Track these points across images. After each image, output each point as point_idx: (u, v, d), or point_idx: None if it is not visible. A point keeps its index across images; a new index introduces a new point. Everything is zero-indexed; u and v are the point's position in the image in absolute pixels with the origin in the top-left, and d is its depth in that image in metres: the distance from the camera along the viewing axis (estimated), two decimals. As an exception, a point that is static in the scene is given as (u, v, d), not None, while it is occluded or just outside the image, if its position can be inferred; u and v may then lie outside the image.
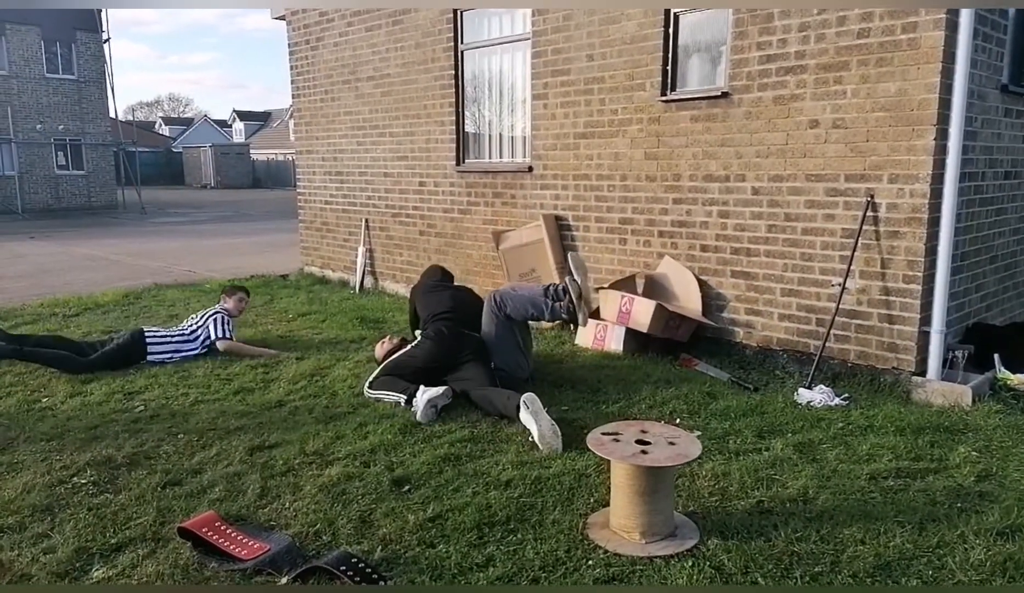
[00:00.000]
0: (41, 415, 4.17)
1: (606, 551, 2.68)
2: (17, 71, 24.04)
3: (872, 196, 4.56)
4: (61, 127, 25.04)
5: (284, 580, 2.50)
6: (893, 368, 4.60)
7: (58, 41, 24.78)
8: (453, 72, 7.11)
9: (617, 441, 2.79)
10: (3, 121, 23.66)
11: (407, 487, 3.23)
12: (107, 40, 25.61)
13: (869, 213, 4.57)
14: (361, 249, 8.46)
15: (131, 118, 45.87)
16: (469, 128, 7.25)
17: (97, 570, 2.59)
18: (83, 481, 3.29)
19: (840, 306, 4.68)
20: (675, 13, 5.37)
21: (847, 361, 4.78)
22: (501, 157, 7.03)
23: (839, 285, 4.66)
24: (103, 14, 25.34)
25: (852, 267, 4.64)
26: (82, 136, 25.52)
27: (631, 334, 5.39)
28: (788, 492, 3.14)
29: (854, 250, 4.60)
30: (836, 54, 4.61)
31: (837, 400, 4.33)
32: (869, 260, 4.63)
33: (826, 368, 4.78)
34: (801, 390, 4.45)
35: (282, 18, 9.07)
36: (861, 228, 4.57)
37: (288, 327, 6.48)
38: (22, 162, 24.23)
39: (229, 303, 5.83)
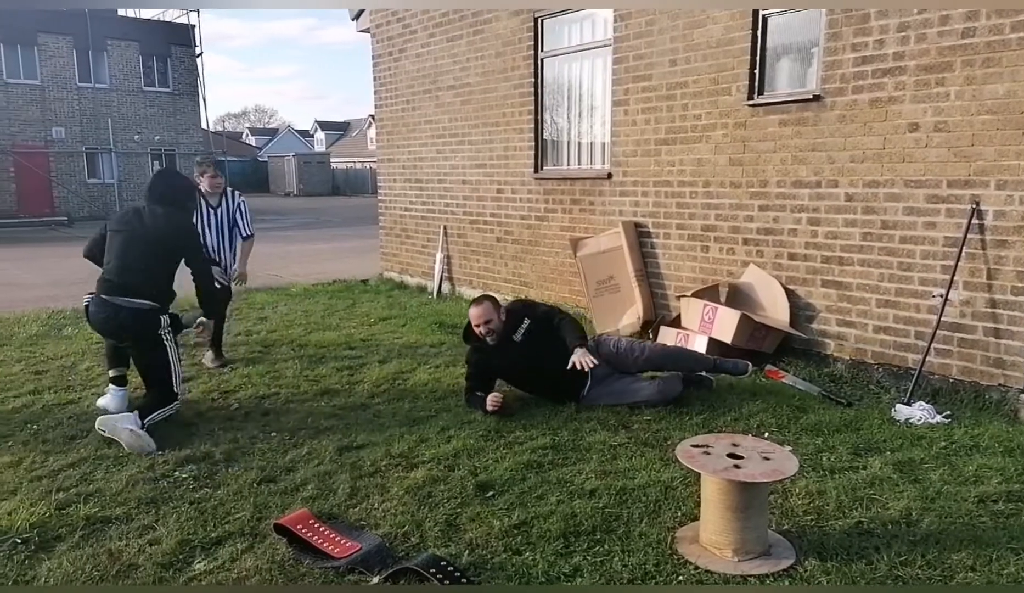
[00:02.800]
0: (144, 411, 4.38)
1: (697, 567, 2.62)
2: (117, 85, 25.57)
3: (977, 203, 4.31)
4: (157, 138, 26.48)
5: (376, 580, 2.55)
6: (999, 385, 4.34)
7: (155, 56, 26.23)
8: (532, 80, 7.14)
9: (708, 454, 2.72)
10: (104, 132, 25.20)
11: (491, 493, 3.24)
12: (200, 54, 26.93)
13: (974, 221, 4.33)
14: (439, 255, 8.59)
15: (221, 128, 48.07)
16: (547, 135, 7.26)
17: (199, 563, 2.70)
18: (184, 476, 3.44)
19: (942, 319, 4.44)
20: (764, 15, 5.24)
21: (948, 376, 4.53)
22: (579, 164, 7.01)
23: (941, 296, 4.43)
24: (196, 29, 26.67)
25: (955, 278, 4.40)
26: (176, 146, 26.91)
27: (713, 344, 5.26)
28: (889, 513, 2.99)
29: (958, 260, 4.36)
30: (938, 54, 4.39)
31: (938, 417, 4.11)
32: (974, 271, 4.38)
33: (925, 383, 4.55)
34: (899, 406, 4.24)
35: (367, 31, 9.32)
36: (965, 237, 4.33)
37: (370, 330, 6.63)
38: (121, 171, 25.73)
39: (204, 184, 5.40)
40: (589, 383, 4.40)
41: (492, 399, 4.23)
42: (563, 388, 4.40)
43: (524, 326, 4.43)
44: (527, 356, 4.41)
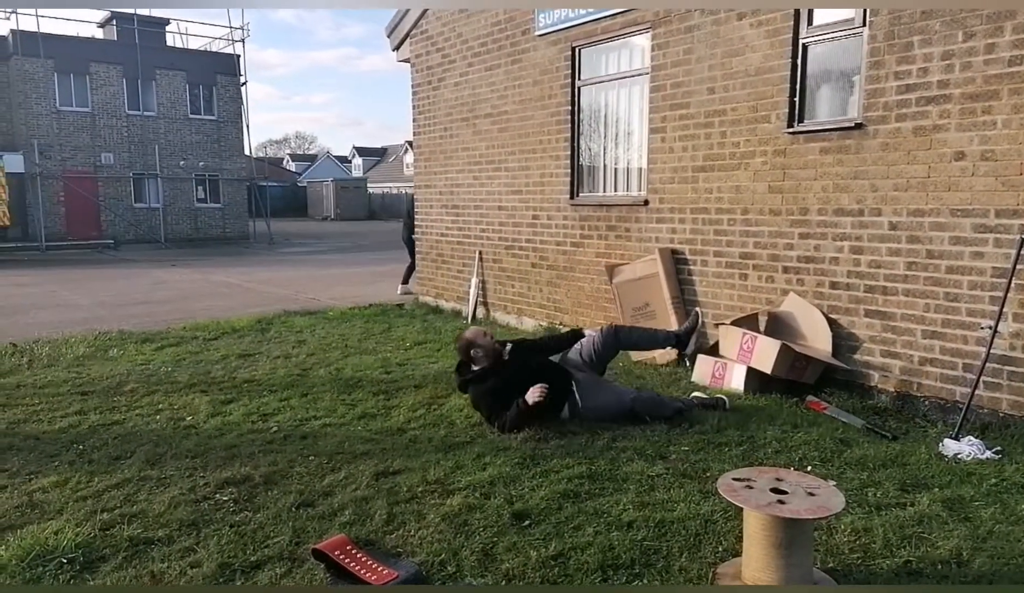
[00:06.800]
0: (186, 433, 4.46)
1: (738, 604, 2.56)
2: (164, 112, 26.37)
3: (1027, 233, 4.21)
4: (201, 164, 27.18)
5: (412, 609, 2.54)
6: (1053, 421, 4.19)
7: (200, 85, 27.01)
8: (569, 108, 7.20)
9: (750, 488, 2.67)
10: (151, 158, 25.96)
11: (527, 522, 3.22)
12: (244, 83, 27.68)
13: (1023, 251, 4.22)
14: (474, 280, 8.64)
15: (263, 155, 49.18)
16: (583, 162, 7.29)
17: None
18: (224, 498, 3.48)
19: (991, 351, 4.32)
20: (804, 43, 5.23)
21: (998, 411, 4.40)
22: (615, 191, 7.02)
23: (990, 328, 4.31)
24: (241, 59, 27.44)
25: (1004, 309, 4.29)
26: (220, 172, 27.58)
27: (752, 373, 5.19)
28: (939, 553, 2.90)
29: (1007, 291, 4.25)
30: (984, 83, 4.32)
31: (988, 453, 3.98)
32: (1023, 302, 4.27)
33: (974, 418, 4.42)
34: (947, 440, 4.12)
35: (407, 61, 9.50)
36: (1015, 267, 4.22)
37: (406, 355, 6.67)
38: (166, 195, 26.43)
39: None
40: (577, 392, 4.60)
41: (537, 390, 4.35)
42: (558, 395, 4.54)
43: (508, 347, 4.87)
44: (521, 367, 4.66)
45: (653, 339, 5.39)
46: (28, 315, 9.55)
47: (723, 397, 4.86)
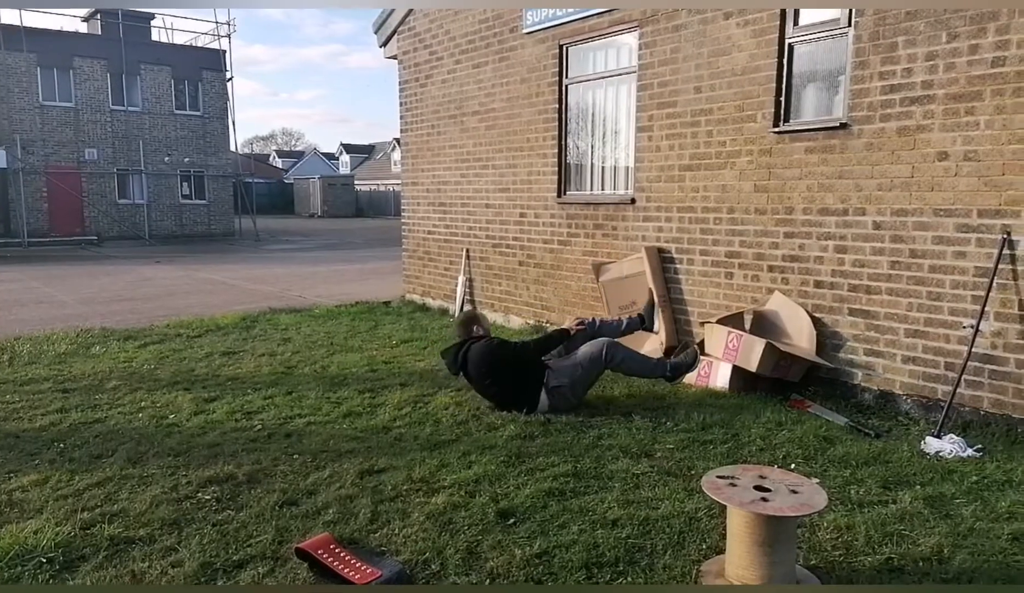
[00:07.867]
0: (168, 431, 4.42)
1: (722, 601, 2.57)
2: (149, 108, 26.12)
3: (1009, 233, 4.25)
4: (187, 160, 26.95)
5: (396, 608, 2.53)
6: (1034, 419, 4.24)
7: (186, 80, 26.78)
8: (557, 106, 7.19)
9: (734, 486, 2.68)
10: (135, 154, 25.72)
11: (512, 520, 3.22)
12: (230, 79, 27.46)
13: (1005, 251, 4.26)
14: (461, 278, 8.62)
15: (248, 151, 48.82)
16: (571, 160, 7.29)
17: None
18: (207, 497, 3.45)
19: (972, 350, 4.36)
20: (790, 43, 5.25)
21: (980, 409, 4.44)
22: (603, 189, 7.02)
23: (971, 327, 4.35)
24: (227, 55, 27.24)
25: (986, 308, 4.33)
26: (205, 168, 27.36)
27: (738, 372, 5.21)
28: (920, 550, 2.92)
29: (988, 290, 4.29)
30: (968, 84, 4.36)
31: (969, 451, 4.02)
32: (1005, 301, 4.30)
33: (956, 416, 4.46)
34: (929, 439, 4.16)
35: (394, 57, 9.46)
36: (996, 267, 4.27)
37: (392, 353, 6.65)
38: (150, 192, 26.20)
39: None
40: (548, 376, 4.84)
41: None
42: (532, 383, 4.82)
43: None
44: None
45: (644, 366, 5.10)
46: (10, 312, 9.44)
47: (693, 347, 5.14)
